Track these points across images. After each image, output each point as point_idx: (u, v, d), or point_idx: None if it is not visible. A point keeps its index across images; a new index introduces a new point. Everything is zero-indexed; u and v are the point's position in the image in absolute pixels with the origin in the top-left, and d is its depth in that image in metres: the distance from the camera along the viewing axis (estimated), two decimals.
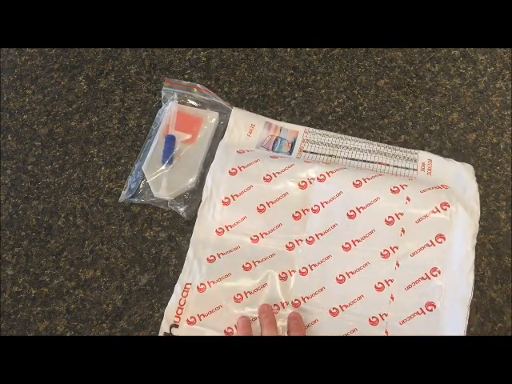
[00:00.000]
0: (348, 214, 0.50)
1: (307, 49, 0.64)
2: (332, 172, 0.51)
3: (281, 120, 0.59)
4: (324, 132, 0.57)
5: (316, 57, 0.64)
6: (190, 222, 0.53)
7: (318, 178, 0.51)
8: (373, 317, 0.47)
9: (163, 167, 0.55)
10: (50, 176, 0.58)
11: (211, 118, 0.58)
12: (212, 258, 0.50)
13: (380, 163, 0.54)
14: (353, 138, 0.57)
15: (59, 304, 0.51)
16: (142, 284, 0.51)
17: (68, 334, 0.49)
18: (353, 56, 0.64)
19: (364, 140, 0.57)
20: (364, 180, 0.51)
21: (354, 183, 0.50)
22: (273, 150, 0.56)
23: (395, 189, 0.50)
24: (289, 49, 0.65)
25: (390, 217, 0.49)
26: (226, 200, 0.52)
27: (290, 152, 0.56)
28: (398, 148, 0.56)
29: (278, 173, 0.52)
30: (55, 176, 0.57)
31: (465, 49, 0.64)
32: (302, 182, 0.52)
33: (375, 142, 0.56)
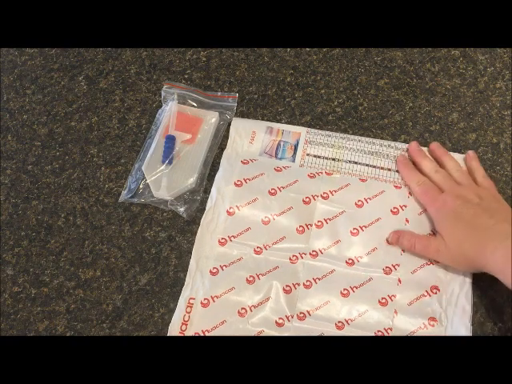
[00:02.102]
0: (351, 232, 0.51)
1: (307, 49, 0.64)
2: (335, 191, 0.53)
3: (281, 120, 0.59)
4: (326, 132, 0.57)
5: (316, 57, 0.64)
6: (190, 222, 0.53)
7: (321, 196, 0.53)
8: (378, 330, 0.47)
9: (163, 167, 0.55)
10: (50, 176, 0.58)
11: (211, 117, 0.58)
12: (215, 270, 0.50)
13: (382, 168, 0.55)
14: (355, 137, 0.57)
15: (59, 304, 0.50)
16: (142, 284, 0.51)
17: (68, 334, 0.49)
18: (353, 56, 0.64)
19: (366, 139, 0.57)
20: (366, 200, 0.52)
21: (356, 204, 0.52)
22: (276, 155, 0.56)
23: (395, 210, 0.52)
24: (289, 49, 0.65)
25: None
26: (232, 210, 0.52)
27: (294, 156, 0.56)
28: (399, 146, 0.56)
29: (283, 187, 0.53)
30: (55, 176, 0.58)
31: (465, 49, 0.64)
32: (307, 197, 0.53)
33: (377, 141, 0.57)
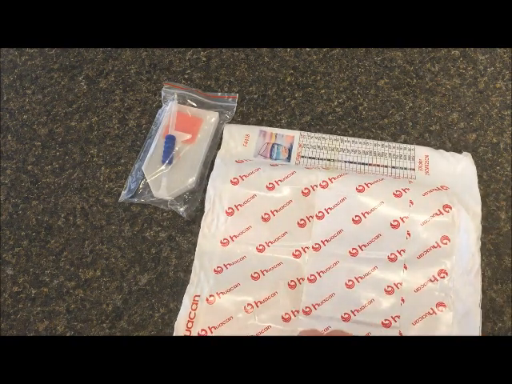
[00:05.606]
0: (353, 219, 0.50)
1: (307, 49, 0.64)
2: (334, 178, 0.52)
3: (280, 120, 0.59)
4: (319, 135, 0.57)
5: (316, 57, 0.64)
6: (190, 222, 0.53)
7: (320, 185, 0.52)
8: (386, 319, 0.47)
9: (163, 167, 0.55)
10: (50, 176, 0.58)
11: (211, 117, 0.58)
12: (219, 269, 0.50)
13: (378, 165, 0.55)
14: (349, 138, 0.57)
15: (59, 304, 0.51)
16: (142, 284, 0.51)
17: (68, 334, 0.49)
18: (353, 56, 0.64)
19: (360, 140, 0.57)
20: (366, 185, 0.51)
21: (357, 188, 0.51)
22: (270, 157, 0.56)
23: (398, 193, 0.50)
24: (289, 49, 0.65)
25: (395, 220, 0.50)
26: (230, 210, 0.52)
27: (288, 158, 0.56)
28: (393, 145, 0.56)
29: (281, 180, 0.52)
30: (55, 176, 0.58)
31: (465, 49, 0.64)
32: (305, 188, 0.52)
33: (371, 141, 0.57)
